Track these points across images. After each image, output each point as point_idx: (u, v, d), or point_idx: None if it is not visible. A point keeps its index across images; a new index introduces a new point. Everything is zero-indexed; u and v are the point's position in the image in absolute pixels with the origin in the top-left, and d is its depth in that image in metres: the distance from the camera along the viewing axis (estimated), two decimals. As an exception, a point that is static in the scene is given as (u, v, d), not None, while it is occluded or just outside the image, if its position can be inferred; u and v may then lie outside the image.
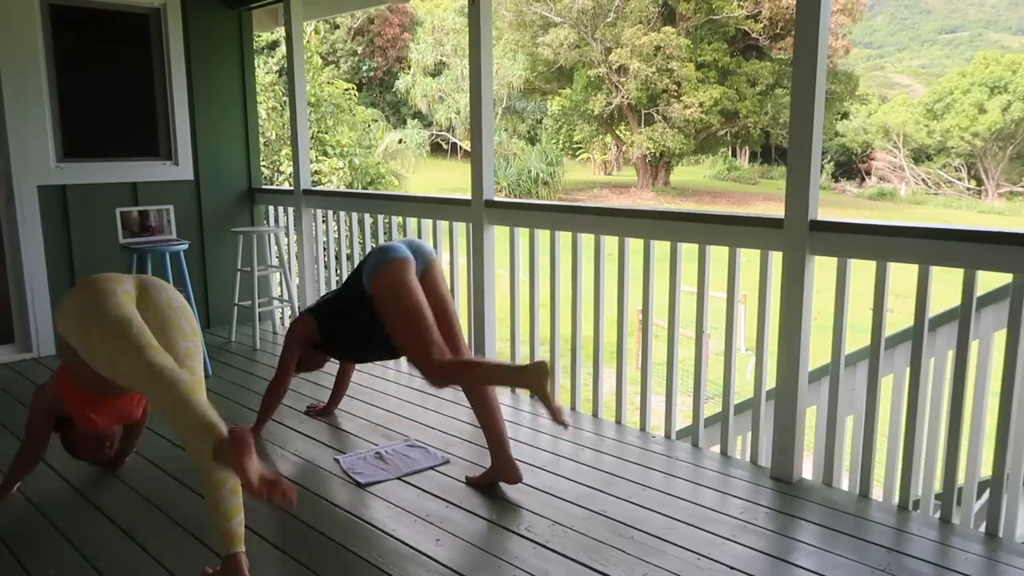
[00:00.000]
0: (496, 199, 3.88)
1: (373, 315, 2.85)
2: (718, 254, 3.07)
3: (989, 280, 2.56)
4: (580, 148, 34.69)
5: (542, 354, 3.78)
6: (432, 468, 2.98)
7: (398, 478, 2.89)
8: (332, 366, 3.67)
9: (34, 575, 2.27)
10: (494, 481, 2.83)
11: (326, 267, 5.21)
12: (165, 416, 1.98)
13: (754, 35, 27.71)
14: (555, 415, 2.51)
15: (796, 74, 2.66)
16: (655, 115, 28.39)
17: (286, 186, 8.01)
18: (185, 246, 4.82)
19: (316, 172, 11.25)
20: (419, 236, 4.33)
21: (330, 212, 5.09)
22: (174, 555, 2.32)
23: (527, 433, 3.40)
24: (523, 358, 3.98)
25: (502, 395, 3.90)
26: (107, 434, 2.59)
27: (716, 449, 3.23)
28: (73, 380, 2.27)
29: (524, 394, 3.93)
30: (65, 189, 4.65)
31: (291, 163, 6.76)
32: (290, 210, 5.30)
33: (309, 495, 2.74)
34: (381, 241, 4.74)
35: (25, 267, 4.53)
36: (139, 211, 4.78)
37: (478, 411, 2.84)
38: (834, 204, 28.52)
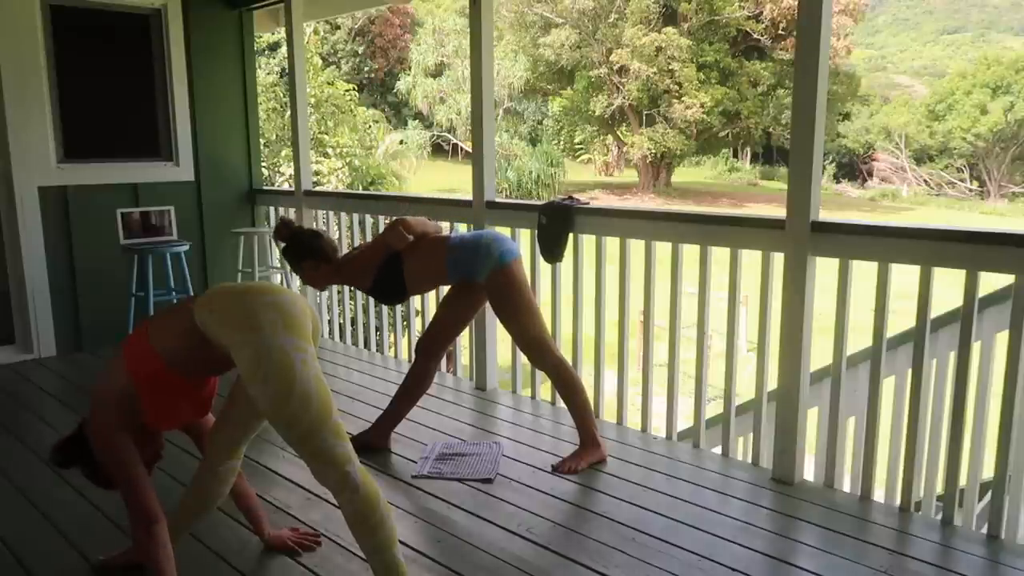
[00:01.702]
0: (497, 200, 3.88)
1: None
2: (720, 255, 3.07)
3: (991, 281, 2.56)
4: (581, 149, 34.68)
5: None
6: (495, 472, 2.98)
7: (459, 479, 2.92)
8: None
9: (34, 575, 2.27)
10: (591, 462, 3.02)
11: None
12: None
13: (756, 36, 27.69)
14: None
15: (798, 75, 2.66)
16: (656, 116, 28.38)
17: (286, 187, 8.01)
18: (186, 247, 4.82)
19: (316, 173, 11.26)
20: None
21: (331, 213, 5.08)
22: (175, 555, 2.32)
23: (528, 434, 3.40)
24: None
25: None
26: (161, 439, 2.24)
27: (717, 450, 3.23)
28: (179, 374, 2.01)
29: (525, 393, 3.93)
30: (66, 190, 4.65)
31: (291, 164, 6.81)
32: (291, 211, 5.29)
33: (311, 497, 2.74)
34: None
35: (26, 268, 4.53)
36: (140, 212, 4.79)
37: (563, 393, 3.10)
38: (836, 205, 28.50)
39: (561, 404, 3.28)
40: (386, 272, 3.05)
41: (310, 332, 1.95)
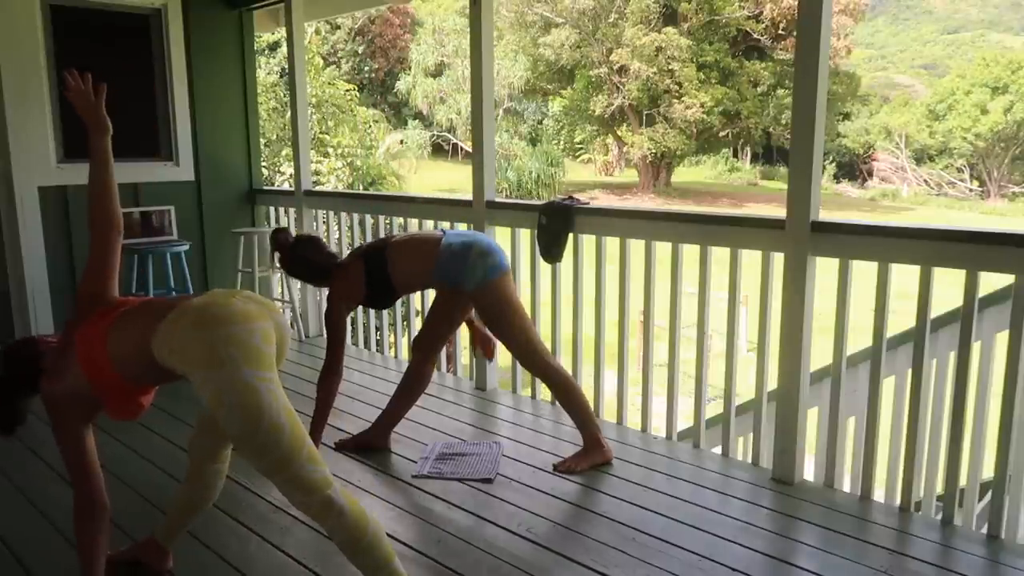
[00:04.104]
0: (497, 200, 3.88)
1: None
2: (720, 255, 3.07)
3: (991, 281, 2.56)
4: (581, 149, 34.68)
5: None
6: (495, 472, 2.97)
7: (460, 479, 2.92)
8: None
9: (34, 575, 2.27)
10: (593, 463, 3.01)
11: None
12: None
13: (756, 36, 27.68)
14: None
15: (798, 75, 2.66)
16: (656, 116, 28.37)
17: (286, 187, 8.01)
18: (186, 247, 4.83)
19: (316, 173, 11.26)
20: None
21: (331, 213, 5.08)
22: (174, 554, 2.32)
23: (528, 434, 3.40)
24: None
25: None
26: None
27: (717, 450, 3.23)
28: (137, 384, 2.03)
29: (525, 393, 3.93)
30: (66, 190, 4.65)
31: (291, 164, 6.85)
32: (291, 211, 5.29)
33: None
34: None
35: (26, 268, 4.52)
36: (140, 212, 4.79)
37: (561, 398, 3.09)
38: (836, 205, 28.50)
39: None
40: (373, 277, 3.01)
41: (274, 356, 1.86)
